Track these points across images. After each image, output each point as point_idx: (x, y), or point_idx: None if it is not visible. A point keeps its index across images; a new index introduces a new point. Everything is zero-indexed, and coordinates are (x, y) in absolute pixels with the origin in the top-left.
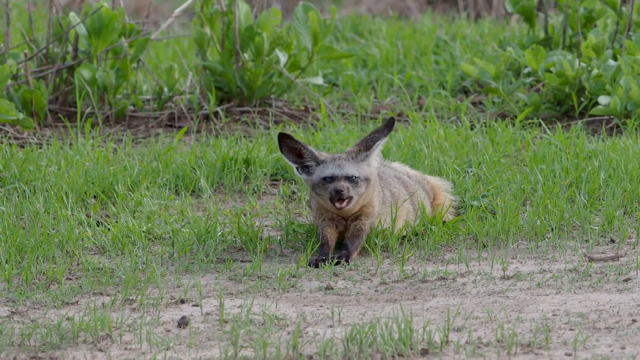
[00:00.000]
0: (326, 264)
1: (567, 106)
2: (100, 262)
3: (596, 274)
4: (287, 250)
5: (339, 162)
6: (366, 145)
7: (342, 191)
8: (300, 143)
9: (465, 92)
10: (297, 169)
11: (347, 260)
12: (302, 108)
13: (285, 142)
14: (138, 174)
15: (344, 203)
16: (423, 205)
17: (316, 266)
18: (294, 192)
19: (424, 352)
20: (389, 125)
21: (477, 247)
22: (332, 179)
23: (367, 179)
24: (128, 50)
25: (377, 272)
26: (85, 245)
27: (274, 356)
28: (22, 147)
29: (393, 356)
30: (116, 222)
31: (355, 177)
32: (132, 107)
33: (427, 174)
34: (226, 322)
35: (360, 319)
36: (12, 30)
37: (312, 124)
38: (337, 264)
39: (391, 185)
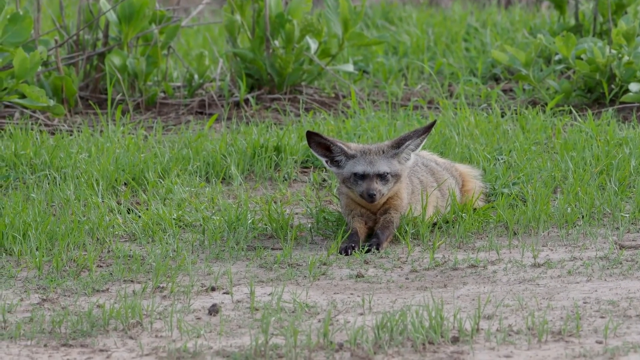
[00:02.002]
0: (356, 251)
1: (597, 93)
2: (130, 250)
3: (627, 261)
4: (318, 238)
5: (370, 158)
6: (398, 143)
7: (375, 195)
8: (329, 139)
9: (496, 79)
10: (327, 162)
11: (377, 248)
12: (333, 95)
13: (314, 139)
14: (168, 161)
15: (375, 199)
16: (454, 193)
17: (346, 253)
18: (324, 180)
19: (455, 340)
20: (427, 127)
21: (508, 234)
22: (364, 176)
23: (397, 175)
24: (158, 37)
25: (407, 259)
26: (116, 232)
27: (304, 344)
28: (53, 134)
29: (424, 344)
30: (147, 209)
31: (387, 174)
32: (162, 94)
33: (455, 162)
34: (257, 309)
35: (391, 307)
36: (43, 17)
37: (342, 111)
38: (367, 251)
39: (419, 174)
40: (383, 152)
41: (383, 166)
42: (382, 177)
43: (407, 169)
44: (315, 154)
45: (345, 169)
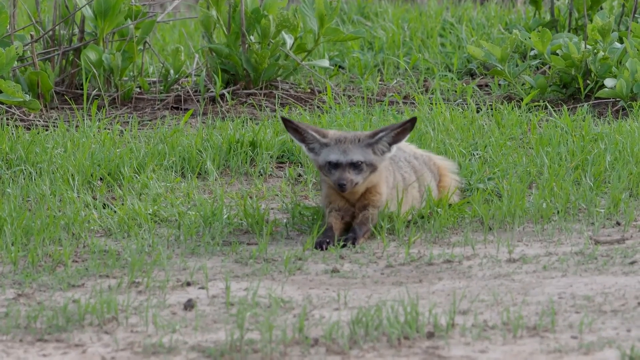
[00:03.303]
0: (331, 246)
1: (573, 89)
2: (106, 245)
3: (602, 256)
4: (293, 233)
5: (344, 147)
6: (374, 133)
7: (345, 184)
8: (301, 127)
9: (472, 74)
10: (306, 148)
11: (353, 243)
12: (308, 90)
13: (288, 125)
14: (144, 157)
15: (345, 189)
16: (429, 188)
17: (321, 248)
18: (300, 175)
19: (430, 335)
20: (403, 122)
21: (483, 230)
22: (337, 165)
23: (372, 165)
24: (134, 33)
25: (383, 254)
26: (92, 227)
27: (280, 339)
28: (29, 129)
29: (399, 339)
30: (122, 204)
31: (361, 163)
32: (138, 90)
33: (433, 154)
34: (232, 304)
35: (366, 302)
36: (18, 12)
37: (318, 107)
38: (343, 246)
39: (402, 170)
40: (358, 141)
41: (357, 155)
42: (355, 166)
43: (385, 161)
44: (294, 139)
45: (320, 157)
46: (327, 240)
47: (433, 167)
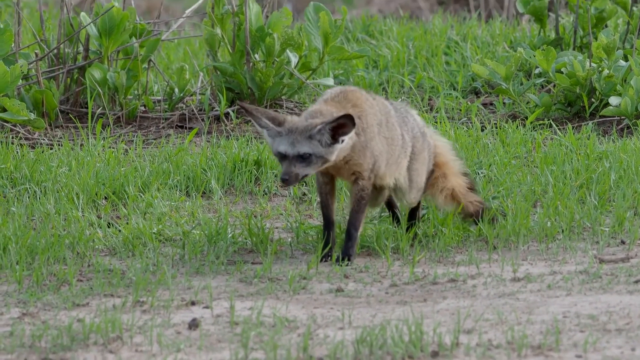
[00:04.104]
0: (333, 252)
1: (577, 107)
2: (111, 264)
3: (606, 275)
4: (298, 252)
5: (292, 138)
6: (314, 125)
7: (287, 179)
8: (254, 114)
9: (476, 93)
10: (266, 133)
11: (349, 259)
12: None
13: (246, 112)
14: (149, 175)
15: (287, 184)
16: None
17: (326, 260)
18: (304, 194)
19: (434, 355)
20: (338, 117)
21: (488, 249)
22: (285, 156)
23: (321, 157)
24: (139, 51)
25: (387, 274)
26: (96, 246)
27: (284, 358)
28: (33, 147)
29: (403, 358)
30: (127, 223)
31: (309, 155)
32: (143, 108)
33: (448, 150)
34: (237, 324)
35: (371, 321)
36: (23, 30)
37: None
38: (343, 259)
39: (410, 133)
40: (309, 130)
41: (304, 147)
42: (303, 158)
43: (335, 152)
44: (255, 125)
45: (273, 147)
46: (329, 254)
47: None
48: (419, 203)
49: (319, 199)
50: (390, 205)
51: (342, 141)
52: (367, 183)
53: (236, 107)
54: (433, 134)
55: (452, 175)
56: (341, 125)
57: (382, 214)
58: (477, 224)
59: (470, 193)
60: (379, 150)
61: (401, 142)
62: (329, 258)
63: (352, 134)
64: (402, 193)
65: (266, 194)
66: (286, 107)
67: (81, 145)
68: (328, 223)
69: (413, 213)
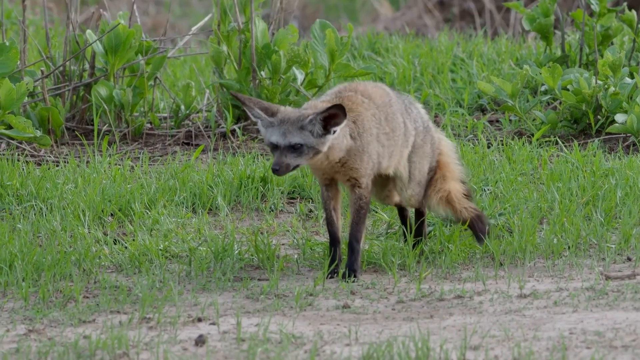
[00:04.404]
0: (340, 268)
1: (583, 124)
2: (117, 280)
3: (613, 292)
4: (304, 269)
5: (284, 128)
6: (305, 116)
7: (278, 170)
8: (247, 103)
9: (482, 110)
10: (260, 123)
11: (354, 276)
12: None
13: (240, 101)
14: (155, 192)
15: (278, 174)
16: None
17: (332, 276)
18: (311, 211)
19: None
20: (329, 107)
21: (494, 265)
22: (276, 147)
23: (313, 147)
24: (145, 68)
25: (394, 290)
26: (102, 263)
27: None
28: (39, 164)
29: None
30: (133, 240)
31: (300, 145)
32: (149, 125)
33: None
34: (243, 340)
35: (377, 338)
36: (29, 48)
37: None
38: (348, 275)
39: (414, 124)
40: (301, 121)
41: (296, 137)
42: (294, 148)
43: (327, 142)
44: (249, 115)
45: (265, 137)
46: (336, 271)
47: (435, 144)
48: (424, 216)
49: (324, 215)
50: (401, 214)
51: (334, 132)
52: (364, 192)
53: (242, 124)
54: (438, 132)
55: (452, 179)
56: (332, 116)
57: (389, 231)
58: (478, 239)
59: (465, 199)
60: (378, 152)
61: (403, 129)
62: (336, 274)
63: (343, 125)
64: (402, 183)
65: (272, 210)
66: None
67: (87, 162)
68: (334, 240)
69: (419, 229)
